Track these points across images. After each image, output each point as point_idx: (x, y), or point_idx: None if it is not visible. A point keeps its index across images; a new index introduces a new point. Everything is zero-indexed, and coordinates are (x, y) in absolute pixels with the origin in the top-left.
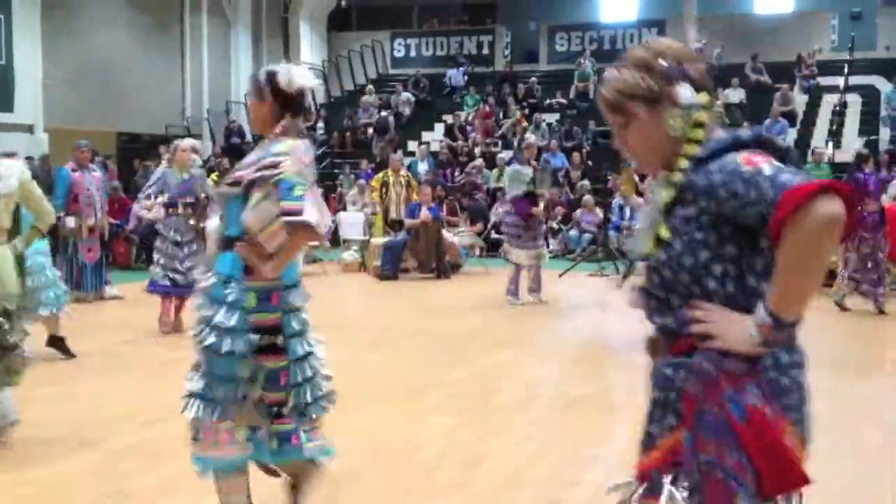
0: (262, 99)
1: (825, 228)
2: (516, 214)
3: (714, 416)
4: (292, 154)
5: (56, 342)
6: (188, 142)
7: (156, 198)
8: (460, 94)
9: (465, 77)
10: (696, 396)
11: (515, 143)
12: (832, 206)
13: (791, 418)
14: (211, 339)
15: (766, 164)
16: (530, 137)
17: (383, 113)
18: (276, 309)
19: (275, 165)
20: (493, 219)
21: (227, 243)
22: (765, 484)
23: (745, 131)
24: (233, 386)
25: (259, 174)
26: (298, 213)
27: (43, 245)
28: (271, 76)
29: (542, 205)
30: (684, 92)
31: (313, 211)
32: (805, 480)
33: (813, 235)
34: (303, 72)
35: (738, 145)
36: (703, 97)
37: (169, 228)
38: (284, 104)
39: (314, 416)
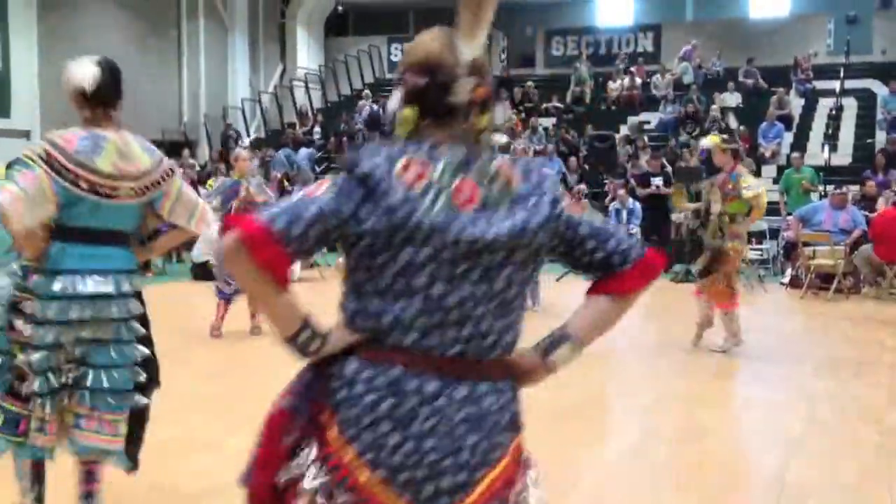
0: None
1: (224, 260)
2: None
3: None
4: (50, 139)
5: None
6: (245, 150)
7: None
8: None
9: None
10: None
11: (511, 149)
12: (225, 242)
13: (344, 434)
14: None
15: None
16: (500, 139)
17: (374, 106)
18: (28, 290)
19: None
20: None
21: None
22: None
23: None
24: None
25: None
26: None
27: None
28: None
29: None
30: (393, 97)
31: (8, 192)
32: (249, 485)
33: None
34: (80, 66)
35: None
36: (405, 112)
37: None
38: (75, 96)
39: (49, 407)
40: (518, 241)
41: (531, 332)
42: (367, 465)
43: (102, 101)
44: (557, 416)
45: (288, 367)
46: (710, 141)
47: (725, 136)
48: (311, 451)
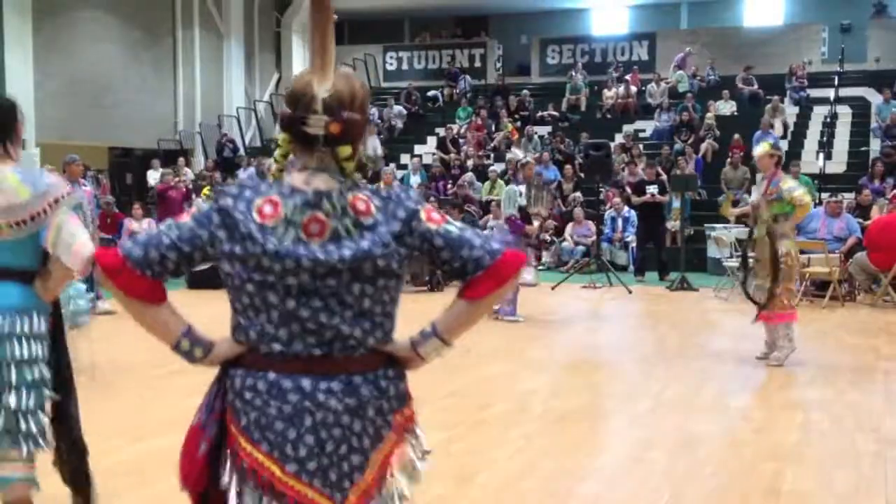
0: None
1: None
2: (511, 233)
3: None
4: None
5: None
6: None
7: None
8: (458, 102)
9: (469, 84)
10: None
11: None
12: (96, 271)
13: (251, 438)
14: None
15: None
16: (518, 154)
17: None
18: None
19: None
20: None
21: None
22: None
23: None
24: None
25: None
26: None
27: None
28: None
29: (536, 224)
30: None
31: None
32: (185, 485)
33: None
34: None
35: None
36: (280, 135)
37: None
38: None
39: None
40: (359, 264)
41: (528, 340)
42: (276, 462)
43: None
44: (555, 422)
45: None
46: (761, 148)
47: (773, 144)
48: (228, 459)
